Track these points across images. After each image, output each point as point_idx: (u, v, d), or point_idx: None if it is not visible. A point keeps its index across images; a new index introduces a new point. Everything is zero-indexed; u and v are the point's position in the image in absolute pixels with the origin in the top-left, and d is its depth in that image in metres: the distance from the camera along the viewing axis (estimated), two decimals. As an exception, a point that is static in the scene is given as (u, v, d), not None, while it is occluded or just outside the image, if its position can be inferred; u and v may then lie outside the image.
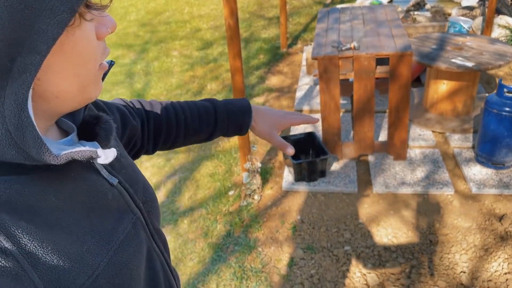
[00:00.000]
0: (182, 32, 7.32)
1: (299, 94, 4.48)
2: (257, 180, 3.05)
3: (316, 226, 2.79)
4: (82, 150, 0.51)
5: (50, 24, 0.42)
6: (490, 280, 2.29)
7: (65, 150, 0.49)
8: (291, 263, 2.54)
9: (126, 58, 6.46)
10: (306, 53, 5.36)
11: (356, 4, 7.05)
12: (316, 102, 4.18)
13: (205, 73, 5.53)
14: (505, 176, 3.02)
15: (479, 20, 5.50)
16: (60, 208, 0.51)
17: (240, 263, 2.57)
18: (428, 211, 2.82)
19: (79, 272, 0.50)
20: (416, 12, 6.32)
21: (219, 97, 4.73)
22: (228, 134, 1.02)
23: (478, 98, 3.99)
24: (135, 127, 0.87)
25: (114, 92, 5.35)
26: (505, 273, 2.31)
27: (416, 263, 2.44)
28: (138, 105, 0.93)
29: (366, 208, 2.89)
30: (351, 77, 3.05)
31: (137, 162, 2.98)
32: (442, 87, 3.66)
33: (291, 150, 0.98)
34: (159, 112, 0.94)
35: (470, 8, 6.10)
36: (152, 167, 3.72)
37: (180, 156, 3.82)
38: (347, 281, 2.38)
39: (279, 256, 2.60)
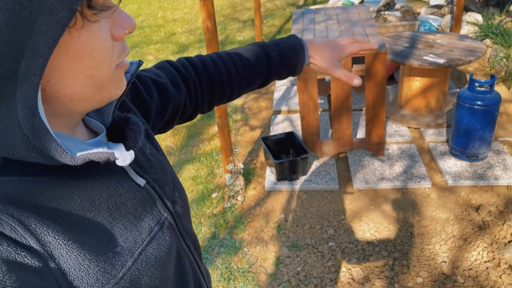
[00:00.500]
0: (156, 36, 7.28)
1: (277, 95, 4.52)
2: (240, 181, 3.07)
3: (300, 224, 2.82)
4: (100, 151, 0.50)
5: (50, 24, 0.41)
6: (471, 269, 2.37)
7: (85, 151, 0.49)
8: (277, 261, 2.57)
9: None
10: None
11: (329, 4, 7.17)
12: (294, 102, 4.23)
13: (181, 77, 5.51)
14: (479, 167, 3.13)
15: (447, 18, 5.67)
16: (86, 209, 0.51)
17: (227, 264, 2.59)
18: (407, 205, 2.89)
19: (103, 272, 0.50)
20: (386, 12, 6.47)
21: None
22: (282, 77, 0.98)
23: (449, 93, 4.11)
24: (179, 98, 0.84)
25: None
26: (485, 262, 2.40)
27: (398, 255, 2.51)
28: (187, 67, 0.88)
29: (348, 204, 2.95)
30: (328, 76, 3.11)
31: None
32: (416, 84, 3.76)
33: (357, 81, 0.91)
34: (211, 71, 0.89)
35: (439, 7, 6.29)
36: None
37: (160, 160, 3.80)
38: (333, 276, 2.42)
39: (265, 255, 2.62)
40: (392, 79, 4.58)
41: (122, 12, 0.51)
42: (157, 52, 6.52)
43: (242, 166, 3.06)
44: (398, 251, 2.54)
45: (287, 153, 3.35)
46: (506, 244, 2.49)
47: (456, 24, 5.14)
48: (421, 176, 3.11)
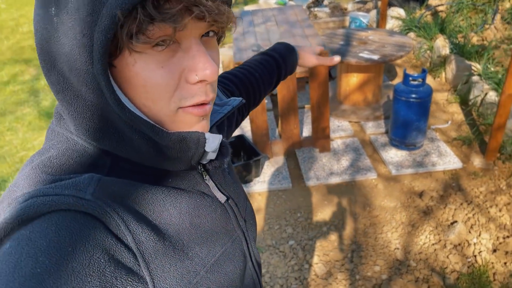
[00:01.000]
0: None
1: (219, 97, 4.52)
2: (195, 189, 3.05)
3: (259, 225, 2.87)
4: (192, 131, 0.54)
5: (99, 31, 0.44)
6: (421, 252, 2.56)
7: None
8: (241, 266, 2.60)
9: (26, 75, 6.00)
10: (221, 56, 5.41)
11: (260, 3, 7.25)
12: (238, 103, 4.26)
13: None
14: (417, 156, 3.36)
15: (373, 13, 5.98)
16: (173, 216, 0.56)
17: (191, 275, 2.57)
18: (357, 197, 3.05)
19: (181, 277, 0.54)
20: (316, 9, 6.68)
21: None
22: (286, 75, 1.10)
23: (384, 86, 4.36)
24: (235, 116, 0.92)
25: (19, 112, 4.95)
26: (433, 244, 2.60)
27: (355, 247, 2.64)
28: (229, 82, 0.95)
29: (302, 202, 3.05)
30: (273, 78, 3.19)
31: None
32: (353, 80, 3.94)
33: (338, 58, 1.08)
34: (244, 81, 0.97)
35: (364, 2, 6.60)
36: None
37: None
38: (297, 274, 2.50)
39: (228, 261, 2.64)
40: (329, 75, 4.75)
41: (202, 57, 0.50)
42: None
43: (195, 173, 3.04)
44: (355, 243, 2.68)
45: (238, 156, 3.38)
46: (449, 226, 2.71)
47: (382, 19, 5.44)
48: (367, 168, 3.28)
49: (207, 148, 0.56)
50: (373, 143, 3.59)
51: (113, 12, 0.43)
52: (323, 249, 2.65)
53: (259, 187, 3.18)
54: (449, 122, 3.80)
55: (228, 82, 0.95)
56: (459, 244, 2.58)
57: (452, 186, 3.06)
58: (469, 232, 2.64)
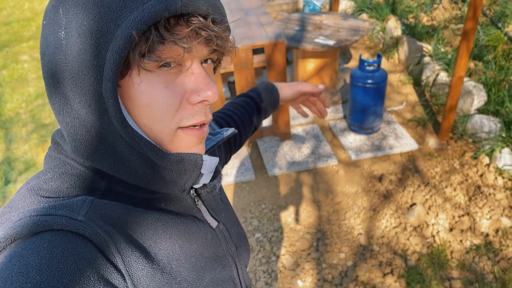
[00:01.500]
0: (27, 32, 6.58)
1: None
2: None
3: (224, 220, 2.87)
4: (190, 152, 0.56)
5: (113, 51, 0.46)
6: (383, 236, 2.64)
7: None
8: (209, 262, 2.59)
9: None
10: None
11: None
12: (196, 94, 4.18)
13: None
14: (375, 139, 3.44)
15: (326, -5, 5.98)
16: (163, 239, 0.56)
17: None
18: (320, 184, 3.09)
19: None
20: (269, -9, 6.60)
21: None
22: (268, 114, 1.10)
23: (340, 70, 4.40)
24: (224, 155, 0.93)
25: (-39, 112, 4.64)
26: (394, 227, 2.68)
27: (320, 236, 2.69)
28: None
29: (266, 192, 3.06)
30: (230, 70, 3.12)
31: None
32: (310, 65, 3.95)
33: (322, 86, 1.07)
34: (225, 125, 0.97)
35: (316, -17, 6.58)
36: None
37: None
38: (264, 267, 2.52)
39: (196, 259, 2.63)
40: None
41: (204, 79, 0.54)
42: (31, 51, 5.92)
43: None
44: (319, 231, 2.72)
45: (199, 149, 3.33)
46: (408, 208, 2.81)
47: (335, 1, 5.45)
48: (327, 155, 3.33)
49: (203, 170, 0.59)
50: (332, 129, 3.64)
51: (129, 32, 0.46)
52: (289, 240, 2.68)
53: (222, 180, 3.15)
54: (404, 103, 3.90)
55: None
56: (418, 226, 2.68)
57: (410, 168, 3.16)
58: (427, 213, 2.75)
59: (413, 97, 3.97)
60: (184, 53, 0.50)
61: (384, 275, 2.41)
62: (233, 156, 3.33)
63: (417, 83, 4.12)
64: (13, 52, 5.91)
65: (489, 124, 3.15)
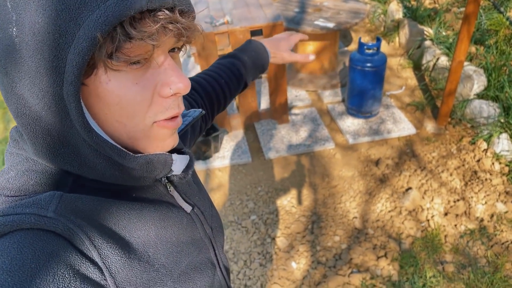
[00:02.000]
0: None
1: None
2: (153, 168, 2.99)
3: (220, 202, 2.88)
4: (159, 153, 0.55)
5: (75, 53, 0.43)
6: (378, 220, 2.65)
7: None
8: (204, 244, 2.61)
9: None
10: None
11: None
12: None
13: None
14: (373, 123, 3.43)
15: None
16: (138, 228, 0.56)
17: (154, 256, 2.57)
18: (316, 167, 3.09)
19: None
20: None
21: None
22: (256, 76, 1.08)
23: (339, 53, 4.36)
24: (199, 121, 0.91)
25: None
26: (389, 211, 2.69)
27: (315, 218, 2.70)
28: (195, 93, 0.94)
29: (263, 175, 3.06)
30: (228, 51, 3.09)
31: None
32: (309, 48, 3.92)
33: (312, 57, 1.07)
34: (207, 87, 0.96)
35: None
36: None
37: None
38: (259, 249, 2.54)
39: (191, 240, 2.64)
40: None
41: (174, 71, 0.52)
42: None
43: (153, 152, 2.98)
44: (315, 214, 2.73)
45: (196, 131, 3.32)
46: (404, 192, 2.81)
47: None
48: (325, 138, 3.32)
49: (174, 169, 0.59)
50: (331, 112, 3.62)
51: (93, 34, 0.42)
52: (284, 222, 2.69)
53: (219, 163, 3.16)
54: (403, 87, 3.87)
55: (192, 90, 0.94)
56: (413, 210, 2.69)
57: (407, 152, 3.15)
58: (423, 197, 2.75)
59: (412, 81, 3.94)
60: (153, 50, 0.48)
61: (378, 258, 2.43)
62: (230, 139, 3.33)
63: (417, 67, 4.09)
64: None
65: (488, 110, 3.13)
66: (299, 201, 2.83)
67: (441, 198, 2.74)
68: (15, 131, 0.56)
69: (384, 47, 4.49)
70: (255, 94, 3.31)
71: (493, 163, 2.90)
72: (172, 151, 0.63)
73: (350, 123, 3.46)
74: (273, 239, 2.59)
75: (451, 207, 2.69)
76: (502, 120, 3.04)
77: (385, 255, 2.44)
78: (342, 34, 4.90)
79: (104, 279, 0.49)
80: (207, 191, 2.76)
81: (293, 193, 2.90)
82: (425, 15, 4.36)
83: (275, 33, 3.02)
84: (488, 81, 3.29)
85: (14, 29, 0.44)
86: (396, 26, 4.57)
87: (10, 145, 0.57)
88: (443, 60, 3.71)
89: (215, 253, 0.72)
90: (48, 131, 0.49)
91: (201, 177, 3.08)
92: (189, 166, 0.63)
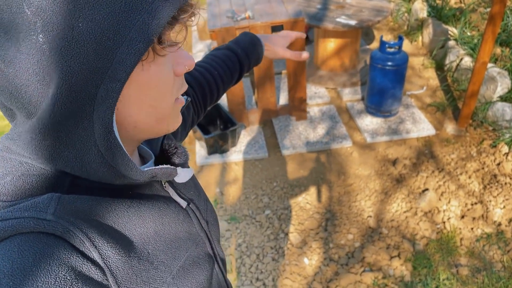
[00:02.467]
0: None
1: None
2: (171, 159, 3.03)
3: (236, 195, 2.90)
4: (164, 167, 0.57)
5: (128, 54, 0.45)
6: (393, 220, 2.63)
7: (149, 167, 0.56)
8: (218, 236, 2.64)
9: None
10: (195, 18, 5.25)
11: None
12: (214, 69, 4.18)
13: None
14: (392, 123, 3.40)
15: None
16: (137, 226, 0.56)
17: (169, 246, 2.61)
18: (332, 165, 3.09)
19: (147, 287, 0.55)
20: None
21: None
22: (250, 68, 1.09)
23: (361, 51, 4.32)
24: (190, 113, 0.92)
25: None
26: (404, 212, 2.67)
27: (330, 216, 2.70)
28: (187, 84, 0.95)
29: (278, 171, 3.07)
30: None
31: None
32: (330, 45, 3.90)
33: (306, 55, 1.08)
34: (199, 79, 0.97)
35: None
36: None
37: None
38: (272, 243, 2.55)
39: (205, 232, 2.67)
40: (306, 38, 4.68)
41: (183, 51, 0.56)
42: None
43: (171, 144, 3.02)
44: (329, 211, 2.73)
45: (215, 125, 3.35)
46: (420, 193, 2.78)
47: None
48: (342, 136, 3.31)
49: (177, 180, 0.62)
50: (349, 110, 3.60)
51: (149, 36, 0.46)
52: (298, 218, 2.70)
53: (235, 157, 3.18)
54: (425, 87, 3.82)
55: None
56: (429, 211, 2.67)
57: (425, 153, 3.12)
58: (439, 199, 2.72)
59: (434, 81, 3.89)
60: (187, 31, 0.52)
61: (391, 258, 2.42)
62: (247, 133, 3.35)
63: (439, 67, 4.02)
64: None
65: (511, 113, 3.07)
66: (315, 198, 2.83)
67: (458, 200, 2.71)
68: (6, 138, 0.54)
69: (407, 46, 4.43)
70: (274, 90, 3.32)
71: (513, 167, 2.84)
72: (174, 164, 0.66)
73: (368, 122, 3.44)
74: (286, 234, 2.61)
75: (468, 210, 2.65)
76: (525, 124, 2.97)
77: (399, 255, 2.42)
78: (364, 32, 4.86)
79: (106, 279, 0.49)
80: (224, 183, 2.77)
81: (308, 189, 2.90)
82: (450, 14, 4.29)
83: (296, 29, 3.01)
84: (512, 83, 3.22)
85: (41, 35, 0.43)
86: (420, 25, 4.50)
87: (2, 151, 0.55)
88: (467, 61, 3.65)
89: (211, 247, 0.73)
90: (56, 132, 0.48)
91: (217, 170, 3.11)
92: (184, 163, 0.66)
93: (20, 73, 0.45)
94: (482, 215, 2.61)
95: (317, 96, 3.79)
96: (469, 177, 2.86)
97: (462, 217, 2.62)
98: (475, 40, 3.80)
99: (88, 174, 0.52)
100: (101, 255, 0.49)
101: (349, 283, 2.30)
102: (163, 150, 0.68)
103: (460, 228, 2.55)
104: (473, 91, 3.07)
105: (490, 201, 2.67)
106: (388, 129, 3.34)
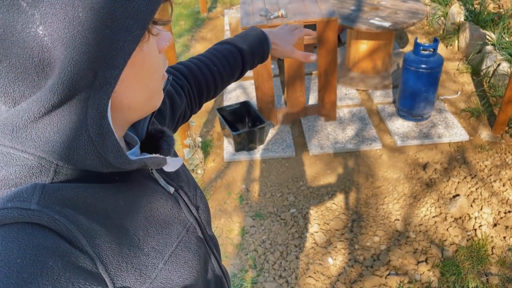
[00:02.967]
0: None
1: (226, 61, 4.46)
2: (199, 154, 3.06)
3: (261, 193, 2.90)
4: (154, 156, 0.57)
5: (126, 40, 0.46)
6: (421, 224, 2.57)
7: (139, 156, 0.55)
8: (243, 232, 2.64)
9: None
10: (228, 17, 5.29)
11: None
12: (245, 68, 4.20)
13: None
14: (424, 127, 3.33)
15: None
16: (126, 212, 0.55)
17: (193, 239, 2.63)
18: (361, 167, 3.04)
19: (140, 273, 0.54)
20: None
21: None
22: (254, 65, 1.07)
23: (394, 54, 4.26)
24: (182, 105, 0.91)
25: None
26: (433, 217, 2.61)
27: (356, 217, 2.66)
28: (177, 74, 0.94)
29: (305, 170, 3.05)
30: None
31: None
32: (363, 47, 3.85)
33: (313, 57, 1.06)
34: (196, 73, 0.96)
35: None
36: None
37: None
38: (297, 242, 2.54)
39: (230, 227, 2.69)
40: (338, 40, 4.65)
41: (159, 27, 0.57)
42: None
43: (200, 139, 3.05)
44: (356, 213, 2.70)
45: (243, 122, 3.37)
46: (451, 199, 2.71)
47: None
48: (372, 138, 3.26)
49: (166, 169, 0.62)
50: (380, 113, 3.55)
51: (144, 22, 0.47)
52: (324, 218, 2.67)
53: (263, 154, 3.18)
54: (459, 92, 3.73)
55: (179, 75, 0.94)
56: (460, 218, 2.59)
57: (457, 158, 3.04)
58: (471, 206, 2.64)
59: (469, 86, 3.79)
60: (172, 7, 0.54)
61: (418, 262, 2.36)
62: (275, 132, 3.35)
63: (475, 72, 3.92)
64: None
65: (550, 120, 2.96)
66: (342, 199, 2.80)
67: (491, 208, 2.62)
68: None
69: (442, 50, 4.33)
70: (303, 89, 3.31)
71: (551, 177, 2.73)
72: (160, 148, 0.66)
73: (399, 125, 3.38)
74: (311, 233, 2.58)
75: (501, 218, 2.56)
76: None
77: (426, 261, 2.36)
78: (398, 35, 4.79)
79: (95, 268, 0.48)
80: (250, 180, 2.79)
81: (335, 190, 2.87)
82: (488, 19, 4.17)
83: (329, 29, 3.00)
84: (553, 90, 3.10)
85: (40, 27, 0.41)
86: (456, 29, 4.40)
87: None
88: (504, 67, 3.54)
89: (202, 232, 0.72)
90: (45, 119, 0.46)
91: (244, 167, 3.12)
92: (170, 149, 0.66)
93: (16, 68, 0.43)
94: (516, 224, 2.51)
95: (347, 97, 3.75)
96: (503, 185, 2.76)
97: (495, 225, 2.54)
98: (514, 46, 3.68)
99: (75, 162, 0.50)
100: (90, 243, 0.48)
101: (373, 285, 2.26)
102: (149, 135, 0.67)
103: (492, 236, 2.47)
104: (510, 97, 2.98)
105: (525, 210, 2.57)
106: (419, 133, 3.27)
